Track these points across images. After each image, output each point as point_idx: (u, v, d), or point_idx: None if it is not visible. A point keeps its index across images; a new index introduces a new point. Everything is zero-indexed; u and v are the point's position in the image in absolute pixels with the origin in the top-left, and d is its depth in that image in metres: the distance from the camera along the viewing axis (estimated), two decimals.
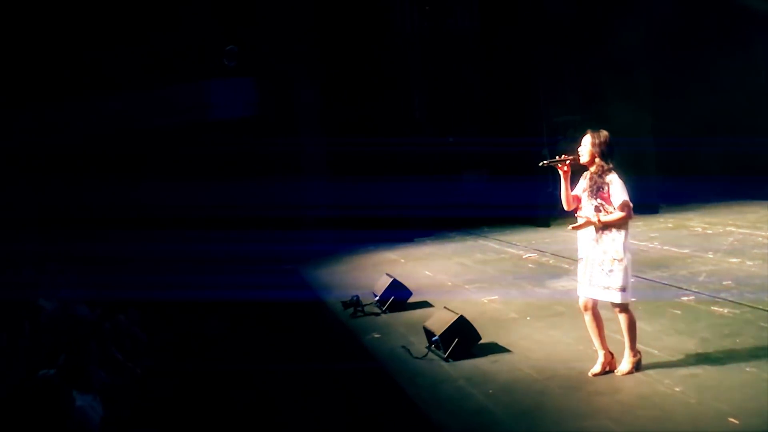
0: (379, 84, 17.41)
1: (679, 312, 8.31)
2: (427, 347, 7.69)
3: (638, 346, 6.64)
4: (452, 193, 17.08)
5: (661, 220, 14.99)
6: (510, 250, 13.69)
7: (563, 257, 11.40)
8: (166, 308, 10.48)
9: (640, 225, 14.47)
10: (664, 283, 9.70)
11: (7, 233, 13.65)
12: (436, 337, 7.49)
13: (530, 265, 12.11)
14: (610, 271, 6.21)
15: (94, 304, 10.79)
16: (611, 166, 6.29)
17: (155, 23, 16.25)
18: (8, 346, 8.74)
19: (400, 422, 6.27)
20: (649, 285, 9.66)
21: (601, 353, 6.51)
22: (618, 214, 6.18)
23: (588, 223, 6.28)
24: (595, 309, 6.41)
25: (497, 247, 14.21)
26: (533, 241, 14.12)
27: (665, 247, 12.11)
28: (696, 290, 9.12)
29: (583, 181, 6.45)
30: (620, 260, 6.19)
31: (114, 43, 16.31)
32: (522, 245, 13.91)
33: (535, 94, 17.54)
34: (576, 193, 6.46)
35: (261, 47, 17.25)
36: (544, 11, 17.13)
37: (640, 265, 10.72)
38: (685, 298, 8.85)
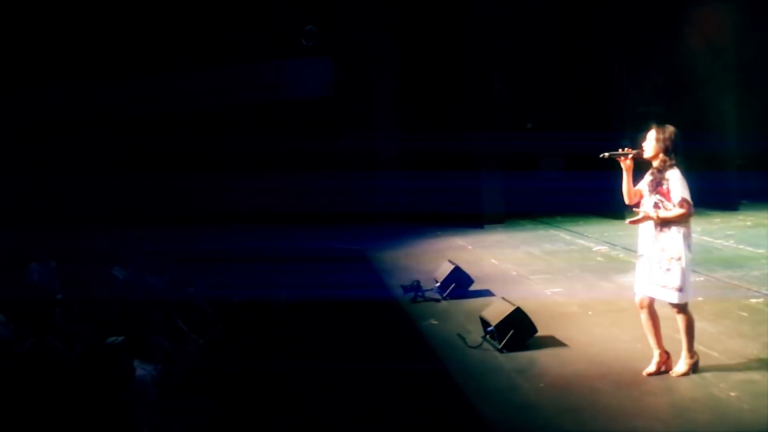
0: (459, 69, 17.29)
1: (745, 314, 8.10)
2: (482, 337, 7.67)
3: (698, 347, 6.50)
4: (528, 182, 16.90)
5: (740, 217, 14.60)
6: (580, 241, 13.52)
7: (634, 252, 11.04)
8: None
9: (717, 222, 14.15)
10: (734, 283, 9.45)
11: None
12: (491, 327, 7.47)
13: (599, 258, 11.95)
14: (668, 269, 6.07)
15: (163, 273, 11.13)
16: (674, 162, 6.13)
17: (235, 3, 16.50)
18: (80, 313, 9.06)
19: (444, 411, 6.27)
20: (718, 284, 9.45)
21: (656, 352, 6.39)
22: (677, 211, 6.03)
23: (646, 217, 6.15)
24: (651, 307, 6.29)
25: (568, 238, 14.05)
26: (606, 234, 13.91)
27: (740, 246, 11.80)
28: (766, 292, 8.85)
29: (646, 177, 6.32)
30: (678, 259, 6.04)
31: (193, 23, 16.64)
32: (593, 237, 13.73)
33: (618, 82, 17.19)
34: (639, 188, 6.33)
35: (339, 28, 17.36)
36: None
37: (711, 264, 10.54)
38: (753, 300, 8.62)
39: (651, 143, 6.20)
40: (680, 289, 6.05)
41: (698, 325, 7.23)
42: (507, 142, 16.53)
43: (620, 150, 6.32)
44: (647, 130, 6.30)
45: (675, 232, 6.07)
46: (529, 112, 18.88)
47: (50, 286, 10.32)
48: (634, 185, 6.35)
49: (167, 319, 8.70)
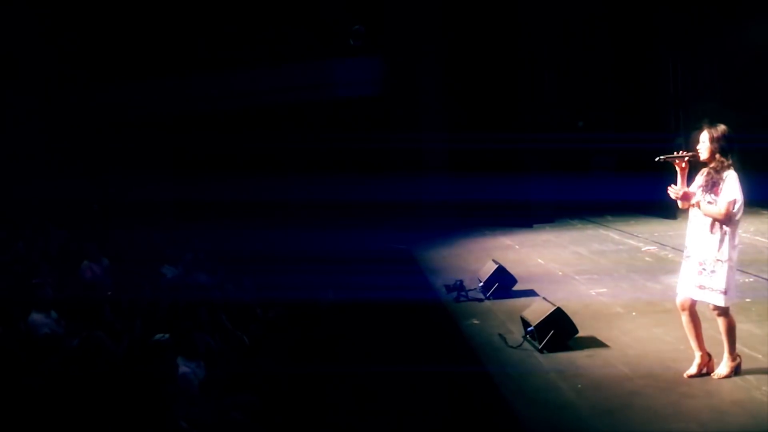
0: (508, 68, 17.21)
1: None
2: (522, 337, 7.66)
3: (742, 349, 6.44)
4: (579, 182, 16.75)
5: None
6: (629, 241, 13.37)
7: (683, 252, 10.97)
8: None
9: None
10: None
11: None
12: (531, 328, 7.45)
13: (647, 259, 11.81)
14: (713, 271, 5.98)
15: (213, 272, 11.30)
16: (731, 162, 6.03)
17: (284, 2, 16.67)
18: (129, 310, 9.26)
19: (483, 411, 6.29)
20: (767, 286, 9.24)
21: (697, 354, 6.31)
22: (716, 209, 5.94)
23: (685, 197, 6.11)
24: (692, 309, 6.21)
25: (617, 237, 13.90)
26: (656, 233, 13.73)
27: None
28: None
29: (699, 177, 6.22)
30: (724, 261, 5.95)
31: (242, 21, 16.87)
32: (643, 237, 13.56)
33: (672, 80, 16.94)
34: (692, 190, 6.23)
35: (388, 27, 17.43)
36: None
37: (761, 264, 10.34)
38: None
39: (705, 144, 6.10)
40: (724, 292, 5.95)
41: (744, 327, 7.19)
42: (558, 141, 16.44)
43: (675, 153, 6.24)
44: (699, 131, 6.21)
45: (721, 234, 5.97)
46: (581, 111, 18.70)
47: (102, 283, 10.55)
48: (688, 187, 6.24)
49: (213, 317, 8.85)
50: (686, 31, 16.46)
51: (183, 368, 6.92)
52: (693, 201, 6.11)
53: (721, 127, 6.10)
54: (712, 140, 6.06)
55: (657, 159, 6.28)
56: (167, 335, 7.52)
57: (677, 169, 6.24)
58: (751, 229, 13.03)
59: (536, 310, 7.66)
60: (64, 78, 16.77)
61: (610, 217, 16.04)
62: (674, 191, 6.15)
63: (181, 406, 6.22)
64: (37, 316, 8.17)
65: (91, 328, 7.98)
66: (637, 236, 13.71)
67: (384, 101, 17.51)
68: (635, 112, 17.14)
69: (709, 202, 6.02)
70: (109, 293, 9.70)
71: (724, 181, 5.98)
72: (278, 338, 9.07)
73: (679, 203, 6.27)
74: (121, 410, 5.91)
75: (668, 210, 15.17)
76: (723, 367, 6.22)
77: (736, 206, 5.93)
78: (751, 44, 15.63)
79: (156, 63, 17.11)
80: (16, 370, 6.55)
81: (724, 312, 6.06)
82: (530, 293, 9.67)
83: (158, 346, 7.26)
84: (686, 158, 6.19)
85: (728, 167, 6.01)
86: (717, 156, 6.05)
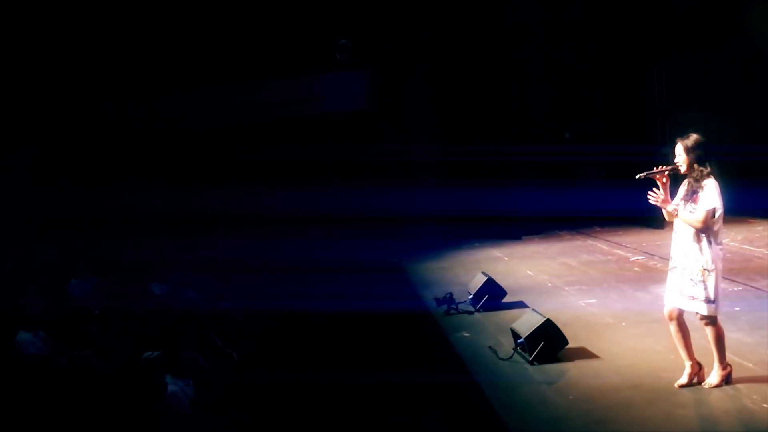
0: (496, 81, 17.30)
1: None
2: (513, 349, 7.65)
3: (732, 357, 6.44)
4: (567, 193, 16.80)
5: None
6: (618, 251, 13.40)
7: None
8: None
9: (760, 230, 13.90)
10: None
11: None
12: (521, 339, 7.45)
13: (636, 269, 11.84)
14: (700, 281, 5.99)
15: (201, 288, 11.26)
16: (709, 170, 6.06)
17: (269, 16, 16.70)
18: (118, 328, 9.22)
19: (473, 424, 6.27)
20: (757, 294, 9.29)
21: (687, 364, 6.31)
22: (694, 217, 5.97)
23: (665, 201, 6.14)
24: (680, 319, 6.22)
25: (605, 248, 13.93)
26: (644, 243, 13.76)
27: None
28: None
29: (681, 189, 6.25)
30: (710, 270, 5.96)
31: (227, 36, 16.90)
32: (631, 247, 13.59)
33: (656, 90, 17.06)
34: (676, 201, 6.24)
35: (375, 42, 17.50)
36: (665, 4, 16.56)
37: (750, 273, 10.37)
38: None
39: (682, 156, 6.14)
40: (710, 301, 5.97)
41: (734, 336, 7.20)
42: (545, 154, 16.52)
43: (655, 168, 6.26)
44: (674, 145, 6.24)
45: (706, 243, 5.99)
46: (567, 123, 18.79)
47: (90, 302, 10.50)
48: (672, 200, 6.26)
49: (202, 334, 8.80)
50: (671, 44, 16.58)
51: (172, 387, 6.88)
52: (671, 208, 6.12)
53: (694, 137, 6.13)
54: (686, 151, 6.10)
55: (638, 176, 6.30)
56: (156, 353, 7.49)
57: (659, 184, 6.25)
58: (739, 238, 13.09)
59: (526, 322, 7.65)
60: (52, 93, 16.73)
61: (598, 228, 16.07)
62: (654, 197, 6.17)
63: (171, 425, 6.18)
64: (24, 336, 8.10)
65: (79, 347, 7.94)
66: (625, 246, 13.74)
67: (373, 115, 17.55)
68: (622, 123, 17.20)
69: (690, 212, 6.04)
70: (97, 312, 9.65)
71: (703, 189, 6.01)
72: (268, 352, 9.06)
73: (665, 213, 6.27)
74: (110, 430, 5.87)
75: (656, 220, 15.23)
76: (714, 377, 6.22)
77: (716, 214, 5.95)
78: (737, 55, 15.74)
79: (144, 78, 17.09)
80: (4, 390, 6.50)
81: (712, 321, 6.06)
82: (520, 305, 9.66)
83: (147, 364, 7.23)
84: (666, 173, 6.21)
85: (707, 176, 6.03)
86: (695, 165, 6.07)
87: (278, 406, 7.32)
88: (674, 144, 6.20)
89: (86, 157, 17.01)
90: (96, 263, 12.20)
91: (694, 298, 6.03)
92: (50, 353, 8.15)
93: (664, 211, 6.27)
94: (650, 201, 6.20)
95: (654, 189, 6.19)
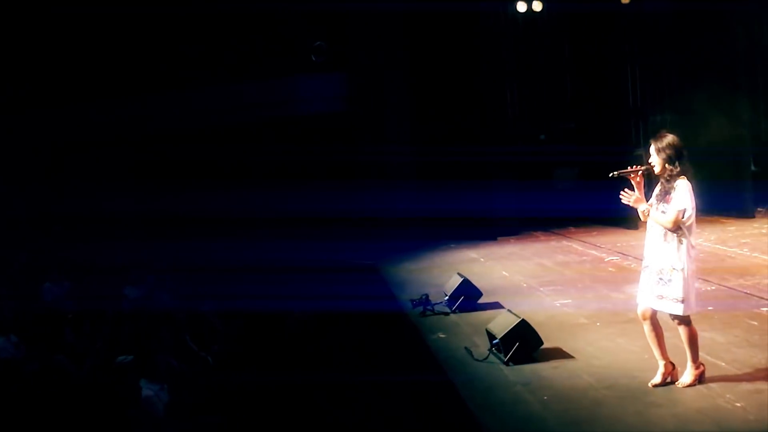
0: (472, 82, 17.31)
1: (755, 323, 8.01)
2: (488, 350, 7.66)
3: (705, 357, 6.50)
4: (542, 193, 16.86)
5: (756, 225, 14.44)
6: (593, 252, 13.47)
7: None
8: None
9: (732, 230, 14.04)
10: (745, 293, 9.37)
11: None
12: (496, 340, 7.46)
13: (610, 269, 11.91)
14: (669, 280, 6.04)
15: (175, 291, 11.19)
16: (680, 170, 6.09)
17: (245, 19, 16.64)
18: (91, 331, 9.14)
19: (449, 425, 6.27)
20: (729, 293, 9.37)
21: (661, 363, 6.35)
22: (665, 218, 6.02)
23: (637, 200, 6.18)
24: (653, 318, 6.26)
25: (580, 248, 13.99)
26: (618, 244, 13.84)
27: (754, 254, 11.67)
28: None
29: (657, 189, 6.29)
30: (680, 270, 6.00)
31: (202, 39, 16.83)
32: (606, 248, 13.66)
33: (629, 91, 17.17)
34: (650, 201, 6.28)
35: (352, 42, 17.50)
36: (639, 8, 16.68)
37: (723, 273, 10.46)
38: (764, 309, 8.52)
39: (654, 157, 6.18)
40: (682, 300, 6.01)
41: (707, 335, 7.26)
42: (521, 154, 16.56)
43: (629, 168, 6.30)
44: (649, 145, 6.28)
45: (677, 243, 6.04)
46: (542, 125, 18.88)
47: (63, 306, 10.41)
48: (647, 200, 6.29)
49: (176, 337, 8.74)
50: (646, 44, 16.71)
51: (146, 391, 6.82)
52: (643, 208, 6.17)
53: (667, 137, 6.16)
54: (658, 151, 6.13)
55: (611, 174, 6.34)
56: (130, 357, 7.44)
57: (633, 183, 6.29)
58: (712, 238, 13.21)
59: (501, 323, 7.67)
60: (21, 96, 16.58)
61: (573, 229, 16.13)
62: (626, 197, 6.20)
63: (145, 429, 6.13)
64: None
65: (51, 352, 7.86)
66: (600, 247, 13.81)
67: (349, 116, 17.53)
68: (596, 124, 17.29)
69: (662, 212, 6.08)
70: (70, 315, 9.56)
71: (675, 190, 6.05)
72: (243, 354, 9.01)
73: (639, 213, 6.30)
74: None
75: (630, 220, 15.33)
76: (687, 376, 6.26)
77: (686, 215, 5.98)
78: (710, 56, 15.89)
79: (119, 81, 16.98)
80: None
81: (685, 321, 6.11)
82: (495, 306, 9.66)
83: (121, 368, 7.17)
84: (640, 172, 6.24)
85: (678, 176, 6.06)
86: (667, 166, 6.11)
87: (253, 408, 7.29)
88: (649, 145, 6.23)
89: (58, 160, 16.90)
90: (69, 266, 12.12)
91: (664, 298, 6.07)
92: (22, 357, 8.07)
93: (638, 211, 6.31)
94: (623, 201, 6.23)
95: (626, 189, 6.23)
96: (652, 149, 6.17)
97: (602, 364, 7.13)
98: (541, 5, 17.21)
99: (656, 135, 6.22)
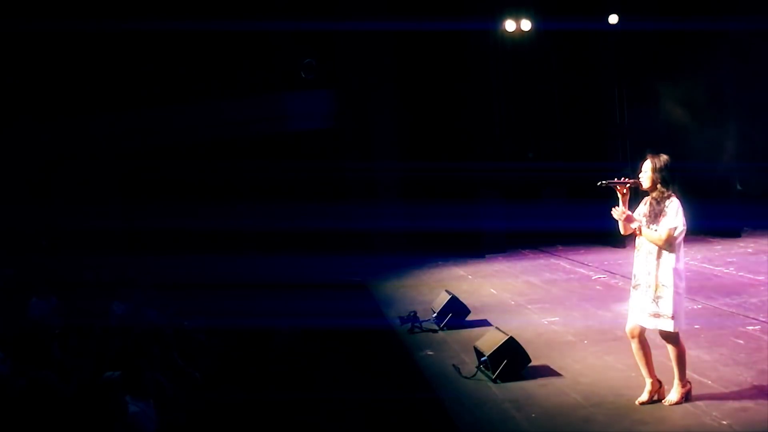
0: (460, 99, 17.40)
1: (741, 341, 8.08)
2: (476, 367, 7.68)
3: (692, 375, 6.53)
4: (530, 211, 16.91)
5: (742, 244, 14.57)
6: (580, 270, 13.53)
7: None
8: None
9: (719, 249, 14.14)
10: (731, 311, 9.43)
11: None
12: (484, 358, 7.48)
13: (598, 287, 11.97)
14: (659, 297, 6.08)
15: (163, 307, 11.15)
16: (671, 192, 6.16)
17: (235, 37, 16.67)
18: (78, 347, 9.09)
19: None
20: (715, 312, 9.43)
21: (648, 381, 6.39)
22: (656, 235, 6.07)
23: (628, 219, 6.23)
24: (641, 336, 6.30)
25: (568, 266, 14.05)
26: (606, 262, 13.92)
27: (740, 273, 11.77)
28: (764, 320, 8.83)
29: (643, 207, 6.34)
30: (669, 287, 6.05)
31: (191, 55, 16.86)
32: (594, 265, 13.73)
33: (617, 109, 17.34)
34: (638, 220, 6.32)
35: (340, 60, 17.58)
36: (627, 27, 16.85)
37: (710, 291, 10.54)
38: (750, 328, 8.59)
39: (647, 174, 6.23)
40: (672, 317, 6.05)
41: (694, 353, 7.29)
42: (508, 172, 16.65)
43: (617, 179, 6.35)
44: (643, 160, 6.33)
45: (666, 261, 6.09)
46: (530, 142, 18.97)
47: (50, 321, 10.34)
48: (630, 214, 6.34)
49: (164, 354, 8.71)
50: (633, 64, 16.88)
51: (133, 407, 6.79)
52: (634, 225, 6.22)
53: (664, 157, 6.23)
54: (654, 170, 6.19)
55: (599, 183, 6.42)
56: (117, 373, 7.39)
57: (618, 195, 6.35)
58: (699, 257, 13.30)
59: (489, 340, 7.69)
60: (7, 112, 16.54)
61: (561, 246, 16.20)
62: (617, 212, 6.26)
63: None
64: None
65: (38, 367, 7.80)
66: (587, 265, 13.88)
67: (337, 133, 17.59)
68: (583, 142, 17.41)
69: (655, 230, 6.13)
70: (57, 331, 9.50)
71: (666, 208, 6.10)
72: (231, 371, 8.99)
73: (621, 226, 6.35)
74: None
75: (617, 239, 15.40)
76: (673, 394, 6.30)
77: (677, 232, 6.05)
78: (695, 74, 16.04)
79: (106, 97, 16.96)
80: None
81: (673, 339, 6.15)
82: (483, 323, 9.70)
83: (108, 384, 7.13)
84: (627, 185, 6.31)
85: (669, 197, 6.13)
86: (658, 186, 6.17)
87: (241, 426, 7.27)
88: (644, 158, 6.27)
89: (45, 175, 16.83)
90: (56, 281, 12.05)
91: (655, 315, 6.11)
92: (9, 373, 8.01)
93: (620, 224, 6.35)
94: (614, 215, 6.28)
95: (615, 206, 6.28)
96: (647, 166, 6.22)
97: (589, 382, 7.15)
98: (529, 24, 17.30)
99: (654, 153, 6.25)
